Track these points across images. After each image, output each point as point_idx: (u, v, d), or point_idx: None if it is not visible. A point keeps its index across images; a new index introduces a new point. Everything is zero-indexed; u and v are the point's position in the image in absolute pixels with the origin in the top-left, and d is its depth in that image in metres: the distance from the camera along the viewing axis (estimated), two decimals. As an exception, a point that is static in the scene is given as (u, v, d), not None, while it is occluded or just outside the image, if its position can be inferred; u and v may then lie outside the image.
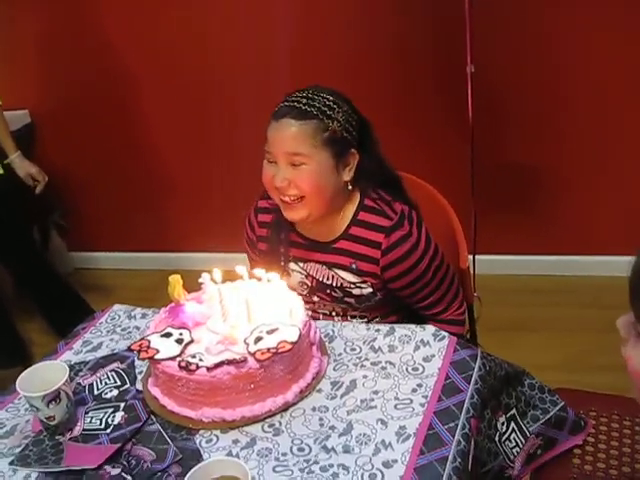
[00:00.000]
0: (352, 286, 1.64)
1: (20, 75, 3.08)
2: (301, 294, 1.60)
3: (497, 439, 1.43)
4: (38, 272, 2.79)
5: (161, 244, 3.48)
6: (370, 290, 1.64)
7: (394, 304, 1.71)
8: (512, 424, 1.46)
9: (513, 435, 1.46)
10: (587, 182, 2.87)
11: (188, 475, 1.07)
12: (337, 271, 1.64)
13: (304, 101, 1.53)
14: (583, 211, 2.93)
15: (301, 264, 1.69)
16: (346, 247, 1.62)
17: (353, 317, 1.71)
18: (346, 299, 1.67)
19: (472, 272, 2.02)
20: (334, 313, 1.72)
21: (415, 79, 2.76)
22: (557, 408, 1.51)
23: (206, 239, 3.31)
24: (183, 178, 3.33)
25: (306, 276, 1.69)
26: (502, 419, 1.45)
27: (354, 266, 1.62)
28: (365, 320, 1.70)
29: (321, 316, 1.71)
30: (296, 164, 1.52)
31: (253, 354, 1.29)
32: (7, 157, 2.62)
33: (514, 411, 1.48)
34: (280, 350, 1.29)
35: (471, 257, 2.41)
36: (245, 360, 1.29)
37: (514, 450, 1.46)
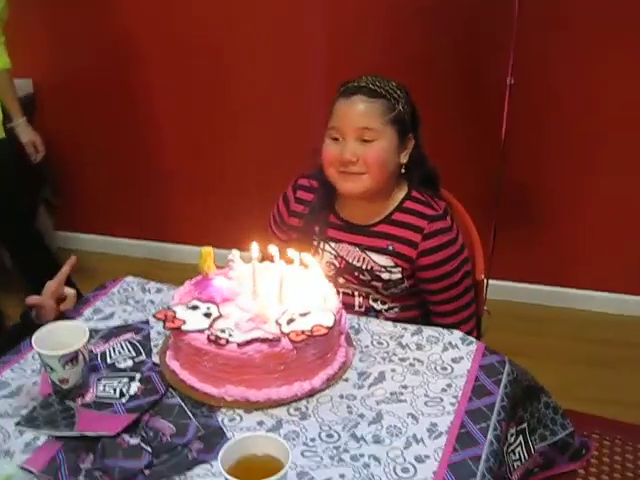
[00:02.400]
0: (382, 270, 1.64)
1: (29, 43, 2.99)
2: (327, 275, 1.58)
3: (505, 449, 1.40)
4: (29, 242, 2.71)
5: (150, 232, 3.41)
6: (399, 276, 1.64)
7: (415, 299, 1.71)
8: (520, 438, 1.44)
9: (519, 449, 1.44)
10: (603, 218, 2.86)
11: (226, 446, 1.02)
12: (370, 254, 1.65)
13: (372, 82, 1.59)
14: (590, 245, 2.92)
15: (333, 244, 1.70)
16: (385, 230, 1.65)
17: (375, 300, 1.70)
18: (373, 283, 1.67)
19: (485, 287, 1.99)
20: (357, 293, 1.71)
21: (451, 87, 2.75)
22: (565, 433, 1.51)
23: (197, 232, 3.25)
24: (182, 169, 3.26)
25: (336, 257, 1.69)
26: (512, 430, 1.42)
27: (390, 247, 1.63)
28: (385, 307, 1.70)
29: (341, 295, 1.69)
30: (367, 139, 1.55)
31: (287, 335, 1.25)
32: (11, 121, 2.53)
33: (525, 425, 1.46)
34: (315, 333, 1.26)
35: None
36: (279, 340, 1.25)
37: (515, 463, 1.43)
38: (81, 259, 3.24)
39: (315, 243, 1.69)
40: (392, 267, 1.64)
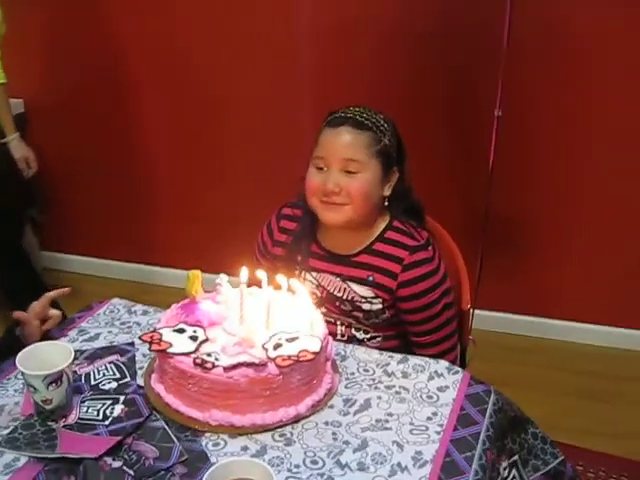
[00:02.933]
0: (363, 300, 1.64)
1: (22, 64, 2.97)
2: None
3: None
4: (15, 260, 2.70)
5: (137, 255, 3.39)
6: (380, 307, 1.64)
7: (397, 329, 1.70)
8: (514, 471, 1.43)
9: None
10: (589, 250, 2.88)
11: (210, 470, 1.01)
12: (351, 284, 1.65)
13: (359, 114, 1.59)
14: (575, 276, 2.94)
15: (314, 274, 1.69)
16: (366, 261, 1.64)
17: (357, 330, 1.70)
18: (354, 313, 1.67)
19: (471, 317, 2.00)
20: (339, 322, 1.71)
21: (439, 116, 2.78)
22: (557, 461, 1.50)
23: (184, 256, 3.24)
24: (170, 192, 3.27)
25: (317, 286, 1.69)
26: (504, 464, 1.41)
27: (371, 278, 1.62)
28: (368, 337, 1.69)
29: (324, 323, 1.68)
30: (351, 171, 1.55)
31: (273, 359, 1.25)
32: (4, 137, 2.53)
33: (517, 457, 1.45)
34: (302, 359, 1.26)
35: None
36: (265, 364, 1.24)
37: None
38: (66, 280, 3.27)
39: (297, 272, 1.68)
40: (372, 298, 1.64)
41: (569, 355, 2.91)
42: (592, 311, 2.95)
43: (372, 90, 2.71)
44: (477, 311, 2.53)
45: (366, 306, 1.64)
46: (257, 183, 3.01)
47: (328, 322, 1.66)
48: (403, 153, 1.66)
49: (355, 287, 1.64)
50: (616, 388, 2.66)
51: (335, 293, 1.66)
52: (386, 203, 1.64)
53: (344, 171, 1.56)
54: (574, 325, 2.99)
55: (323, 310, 1.68)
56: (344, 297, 1.65)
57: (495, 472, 1.38)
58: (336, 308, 1.68)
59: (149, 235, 3.36)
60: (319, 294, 1.68)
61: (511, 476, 1.43)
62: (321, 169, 1.58)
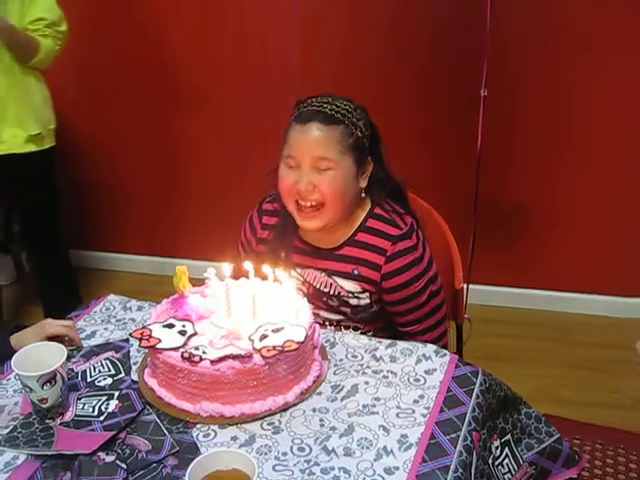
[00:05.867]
0: (350, 295, 1.63)
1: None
2: None
3: (490, 462, 1.41)
4: (61, 256, 2.81)
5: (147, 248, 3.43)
6: (367, 301, 1.63)
7: (387, 320, 1.70)
8: (506, 449, 1.45)
9: (506, 460, 1.45)
10: (578, 221, 2.92)
11: (194, 462, 1.04)
12: (337, 279, 1.63)
13: (328, 106, 1.53)
14: (571, 249, 2.97)
15: (299, 270, 1.67)
16: (349, 253, 1.62)
17: (346, 328, 1.70)
18: (342, 308, 1.66)
19: (465, 294, 2.02)
20: (327, 323, 1.70)
21: (427, 96, 2.78)
22: (552, 439, 1.51)
23: (175, 244, 3.29)
24: (196, 181, 3.28)
25: (303, 282, 1.67)
26: (497, 443, 1.43)
27: (356, 272, 1.61)
28: (358, 333, 1.69)
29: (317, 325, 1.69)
30: (322, 169, 1.51)
31: (259, 351, 1.28)
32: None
33: (509, 437, 1.46)
34: (286, 349, 1.28)
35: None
36: (251, 356, 1.27)
37: (506, 476, 1.44)
38: (87, 276, 3.31)
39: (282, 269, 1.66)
40: (360, 292, 1.62)
41: (565, 326, 2.93)
42: (585, 281, 2.98)
43: (354, 73, 2.72)
44: (471, 286, 2.55)
45: (354, 301, 1.63)
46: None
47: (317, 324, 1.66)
48: (377, 138, 1.61)
49: (341, 282, 1.63)
50: (613, 357, 2.68)
51: (321, 289, 1.65)
52: (363, 195, 1.61)
53: (316, 169, 1.51)
54: (568, 295, 3.03)
55: (311, 307, 1.66)
56: (331, 292, 1.64)
57: (487, 451, 1.40)
58: (323, 304, 1.66)
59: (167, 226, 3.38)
60: (305, 290, 1.66)
61: (503, 455, 1.44)
62: (292, 167, 1.54)
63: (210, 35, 2.95)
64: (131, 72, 3.11)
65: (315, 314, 1.65)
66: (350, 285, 1.62)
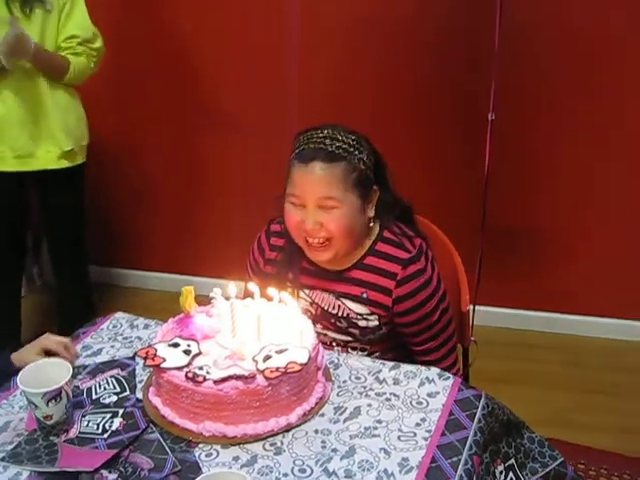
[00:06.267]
0: (358, 317, 1.64)
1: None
2: None
3: (495, 488, 1.41)
4: (80, 268, 2.84)
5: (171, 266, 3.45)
6: (376, 323, 1.63)
7: (395, 341, 1.70)
8: (510, 474, 1.44)
9: None
10: (587, 244, 2.92)
11: (194, 483, 1.05)
12: (345, 301, 1.64)
13: (329, 142, 1.52)
14: (581, 271, 2.96)
15: (307, 291, 1.68)
16: (358, 276, 1.63)
17: (354, 349, 1.70)
18: (350, 330, 1.66)
19: (472, 316, 2.02)
20: (334, 344, 1.71)
21: (435, 121, 2.80)
22: (556, 463, 1.50)
23: (197, 262, 3.30)
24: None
25: (311, 304, 1.68)
26: (500, 467, 1.43)
27: (365, 295, 1.61)
28: (365, 354, 1.70)
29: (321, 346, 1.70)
30: (327, 207, 1.52)
31: (262, 372, 1.29)
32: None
33: (513, 461, 1.46)
34: (289, 370, 1.29)
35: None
36: (254, 377, 1.28)
37: None
38: (110, 292, 3.33)
39: (289, 290, 1.64)
40: (368, 315, 1.62)
41: (574, 349, 2.92)
42: (598, 304, 2.97)
43: (363, 98, 2.74)
44: (482, 307, 2.55)
45: (362, 323, 1.63)
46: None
47: (324, 344, 1.65)
48: (381, 165, 1.62)
49: (350, 304, 1.63)
50: (623, 380, 2.67)
51: (330, 310, 1.65)
52: (372, 223, 1.62)
53: (322, 207, 1.51)
54: (578, 318, 3.02)
55: (319, 328, 1.67)
56: (339, 314, 1.64)
57: (491, 476, 1.40)
58: (331, 325, 1.67)
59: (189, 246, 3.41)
60: (313, 311, 1.67)
61: (508, 479, 1.44)
62: (298, 206, 1.54)
63: (243, 53, 2.97)
64: (158, 88, 3.14)
65: (323, 334, 1.68)
66: (359, 307, 1.63)
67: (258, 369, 1.30)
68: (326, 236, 1.54)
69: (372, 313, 1.62)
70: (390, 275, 1.59)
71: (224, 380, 1.28)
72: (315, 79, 2.85)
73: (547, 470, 1.50)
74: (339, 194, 1.51)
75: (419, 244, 1.63)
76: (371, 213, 1.60)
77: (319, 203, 1.51)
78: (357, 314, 1.63)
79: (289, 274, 1.69)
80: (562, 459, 1.51)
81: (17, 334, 2.80)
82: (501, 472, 1.42)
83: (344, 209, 1.52)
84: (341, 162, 1.51)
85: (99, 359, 1.56)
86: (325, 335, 1.70)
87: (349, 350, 1.70)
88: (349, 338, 1.69)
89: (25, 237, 2.81)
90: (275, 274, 1.69)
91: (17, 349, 1.49)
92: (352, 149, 1.54)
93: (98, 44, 2.57)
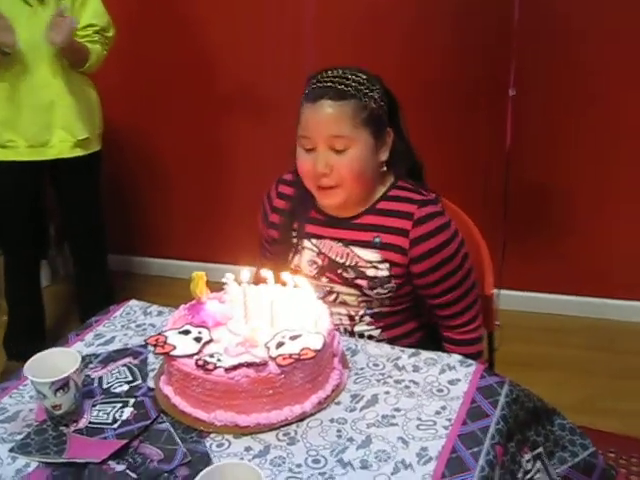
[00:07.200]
0: (368, 265, 1.55)
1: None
2: (309, 275, 1.56)
3: (520, 476, 1.35)
4: (99, 257, 2.83)
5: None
6: (386, 273, 1.55)
7: (403, 315, 1.63)
8: (538, 463, 1.38)
9: (538, 475, 1.38)
10: (620, 224, 2.82)
11: (200, 475, 1.01)
12: (354, 248, 1.57)
13: (339, 80, 1.48)
14: (609, 252, 2.87)
15: (314, 241, 1.61)
16: (370, 221, 1.56)
17: (361, 319, 1.62)
18: (357, 281, 1.57)
19: (496, 299, 1.95)
20: (340, 320, 1.62)
21: (456, 98, 2.73)
22: (587, 453, 1.44)
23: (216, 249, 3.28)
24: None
25: (318, 254, 1.61)
26: (527, 456, 1.37)
27: (377, 240, 1.54)
28: (373, 328, 1.62)
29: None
30: (338, 149, 1.47)
31: (274, 359, 1.24)
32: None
33: (541, 449, 1.40)
34: (303, 357, 1.24)
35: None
36: (266, 364, 1.23)
37: None
38: (131, 281, 3.32)
39: (295, 241, 1.61)
40: (379, 262, 1.54)
41: (603, 333, 2.83)
42: (623, 286, 2.89)
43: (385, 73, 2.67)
44: (509, 291, 2.48)
45: (371, 272, 1.55)
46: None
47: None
48: (395, 108, 1.56)
49: (359, 251, 1.56)
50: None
51: (337, 259, 1.58)
52: (384, 168, 1.56)
53: (332, 149, 1.47)
54: (606, 302, 2.93)
55: (324, 280, 1.60)
56: (347, 263, 1.57)
57: (517, 465, 1.34)
58: (338, 276, 1.58)
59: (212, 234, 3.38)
60: (320, 262, 1.60)
61: (535, 469, 1.38)
62: (309, 149, 1.50)
63: (264, 43, 2.94)
64: (173, 74, 3.12)
65: (328, 289, 1.61)
66: (369, 254, 1.55)
67: (270, 356, 1.25)
68: (336, 183, 1.49)
69: (384, 260, 1.54)
70: (406, 215, 1.53)
71: (235, 368, 1.23)
72: (334, 59, 2.78)
73: (577, 460, 1.44)
74: (349, 131, 1.46)
75: (435, 195, 1.58)
76: (384, 157, 1.55)
77: (329, 143, 1.47)
78: (366, 261, 1.55)
79: (294, 224, 1.63)
80: (593, 449, 1.45)
81: (41, 322, 2.80)
82: (528, 460, 1.36)
83: (356, 149, 1.47)
84: (351, 100, 1.46)
85: (111, 347, 1.53)
86: (331, 290, 1.61)
87: (356, 321, 1.62)
88: (356, 292, 1.59)
89: (42, 227, 2.80)
90: (279, 223, 1.65)
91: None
92: (363, 87, 1.49)
93: (112, 33, 2.56)
